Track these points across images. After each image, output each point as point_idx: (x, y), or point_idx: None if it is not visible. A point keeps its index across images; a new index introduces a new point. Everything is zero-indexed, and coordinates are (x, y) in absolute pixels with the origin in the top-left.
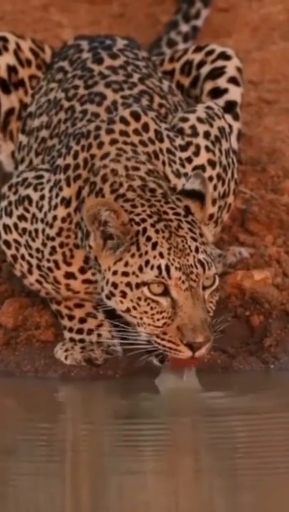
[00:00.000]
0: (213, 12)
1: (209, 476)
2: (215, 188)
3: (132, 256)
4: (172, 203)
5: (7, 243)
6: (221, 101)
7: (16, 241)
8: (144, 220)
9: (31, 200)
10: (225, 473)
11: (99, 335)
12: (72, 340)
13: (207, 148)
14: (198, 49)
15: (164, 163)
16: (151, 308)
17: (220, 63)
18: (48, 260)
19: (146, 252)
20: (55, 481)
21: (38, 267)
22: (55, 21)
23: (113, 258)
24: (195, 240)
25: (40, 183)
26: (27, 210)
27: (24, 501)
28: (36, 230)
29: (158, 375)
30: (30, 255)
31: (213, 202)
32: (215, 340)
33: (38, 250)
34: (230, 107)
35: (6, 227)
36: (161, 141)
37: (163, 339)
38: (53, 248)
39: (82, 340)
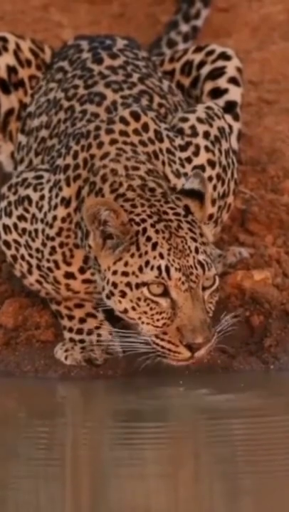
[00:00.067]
0: (213, 12)
1: (209, 477)
2: (215, 188)
3: (132, 256)
4: (172, 202)
5: (7, 243)
6: (221, 101)
7: (15, 241)
8: (144, 220)
9: (31, 200)
10: (225, 474)
11: (99, 335)
12: (72, 340)
13: (207, 149)
14: (198, 49)
15: (163, 163)
16: (151, 309)
17: (220, 63)
18: (48, 260)
19: (146, 253)
20: (55, 482)
21: (38, 267)
22: (55, 21)
23: (113, 258)
24: (195, 240)
25: (39, 183)
26: (27, 211)
27: (24, 503)
28: (36, 230)
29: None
30: (30, 255)
31: (213, 202)
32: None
33: (37, 250)
34: (230, 107)
35: (5, 228)
36: (161, 141)
37: (162, 340)
38: (53, 248)
39: (82, 341)
